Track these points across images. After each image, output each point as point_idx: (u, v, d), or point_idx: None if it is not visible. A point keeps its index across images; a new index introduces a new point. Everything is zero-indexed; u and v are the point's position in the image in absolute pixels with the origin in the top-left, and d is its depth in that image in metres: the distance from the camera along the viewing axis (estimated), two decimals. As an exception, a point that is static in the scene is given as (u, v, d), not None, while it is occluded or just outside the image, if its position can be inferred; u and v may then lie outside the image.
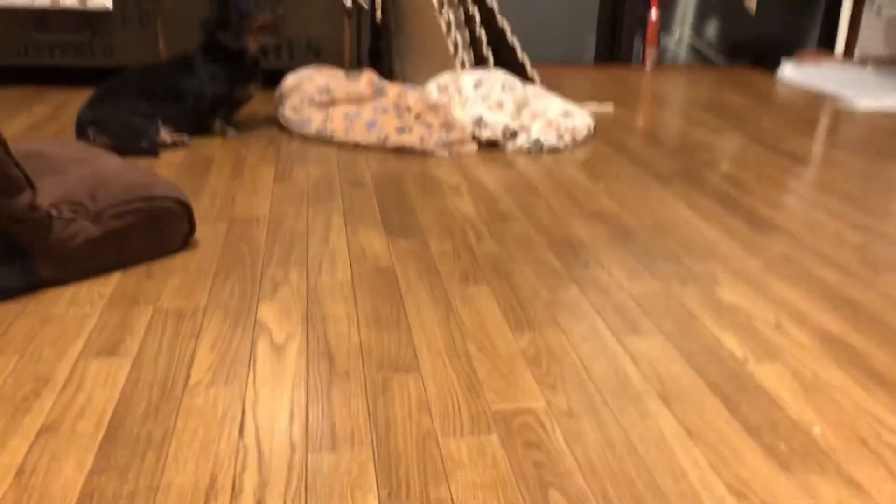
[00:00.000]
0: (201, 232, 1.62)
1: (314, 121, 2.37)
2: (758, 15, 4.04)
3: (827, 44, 4.10)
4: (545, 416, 1.05)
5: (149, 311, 1.29)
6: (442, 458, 0.96)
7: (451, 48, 2.78)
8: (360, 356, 1.17)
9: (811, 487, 0.94)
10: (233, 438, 0.98)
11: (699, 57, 4.06)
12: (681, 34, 4.03)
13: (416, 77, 3.13)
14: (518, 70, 3.05)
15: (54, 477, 0.91)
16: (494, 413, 1.05)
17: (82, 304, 1.30)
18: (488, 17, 2.87)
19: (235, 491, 0.90)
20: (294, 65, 2.96)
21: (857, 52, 3.97)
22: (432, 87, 2.63)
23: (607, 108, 2.90)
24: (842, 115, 2.97)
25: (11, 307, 1.29)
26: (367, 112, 2.37)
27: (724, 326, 1.31)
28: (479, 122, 2.35)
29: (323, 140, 2.35)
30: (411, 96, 2.42)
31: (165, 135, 2.20)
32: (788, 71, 3.71)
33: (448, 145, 2.28)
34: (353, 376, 1.12)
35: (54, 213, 1.34)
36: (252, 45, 2.31)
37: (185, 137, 2.24)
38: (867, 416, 1.08)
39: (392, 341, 1.22)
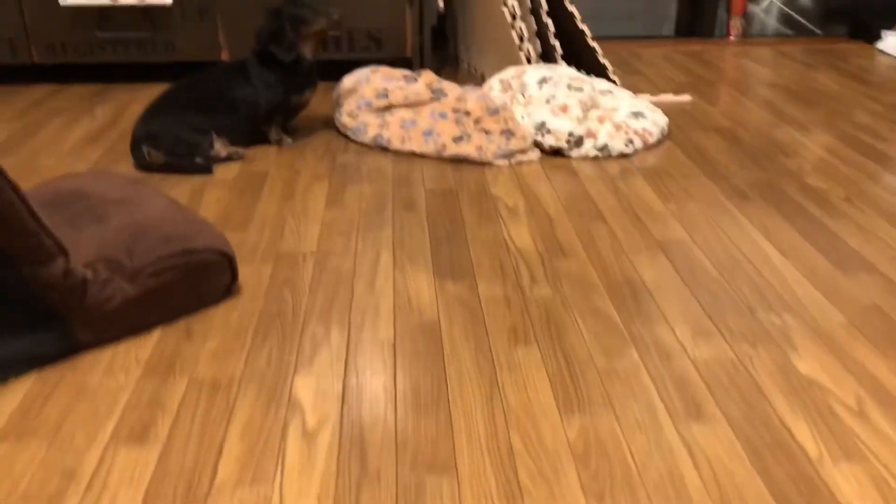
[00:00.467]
0: (245, 274, 1.58)
1: (370, 127, 2.29)
2: (858, -23, 3.70)
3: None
4: (589, 533, 0.96)
5: (184, 383, 1.25)
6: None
7: (516, 39, 2.63)
8: (394, 448, 1.11)
9: None
10: (255, 554, 0.94)
11: (790, 24, 3.75)
12: (770, 1, 3.73)
13: (482, 64, 2.99)
14: (588, 57, 2.88)
15: None
16: (533, 527, 0.97)
17: (118, 372, 1.28)
18: (557, 2, 2.70)
19: None
20: (354, 56, 2.87)
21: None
22: (495, 83, 2.50)
23: (684, 98, 2.71)
24: (949, 101, 2.69)
25: (50, 375, 1.27)
26: (424, 118, 2.26)
27: (797, 410, 1.19)
28: (541, 127, 2.21)
29: (379, 147, 2.27)
30: (471, 99, 2.30)
31: (220, 148, 2.16)
32: (891, 42, 3.39)
33: (508, 155, 2.16)
34: (384, 477, 1.06)
35: (89, 275, 1.31)
36: (307, 53, 2.23)
37: (240, 150, 2.19)
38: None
39: (430, 430, 1.15)
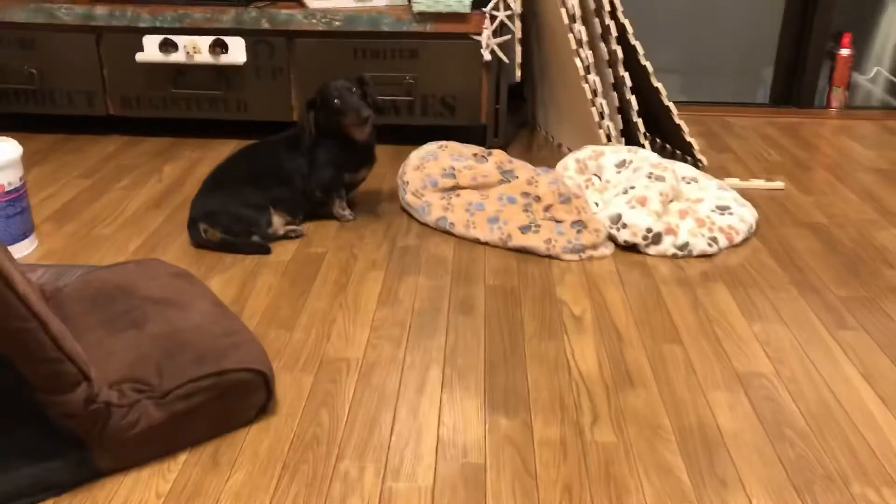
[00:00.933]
0: (285, 384, 1.48)
1: (435, 208, 2.18)
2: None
3: None
4: None
5: (200, 530, 1.16)
6: None
7: (596, 116, 2.49)
8: None
9: None
10: None
11: (898, 96, 3.49)
12: (877, 71, 3.47)
13: (559, 134, 2.86)
14: (674, 134, 2.72)
15: None
16: None
17: (134, 510, 1.19)
18: (643, 77, 2.55)
19: None
20: (427, 122, 2.78)
21: None
22: (570, 163, 2.37)
23: (776, 185, 2.51)
24: None
25: (64, 505, 1.20)
26: (491, 203, 2.14)
27: None
28: (617, 220, 2.06)
29: (442, 231, 2.16)
30: (542, 184, 2.16)
31: (278, 224, 2.08)
32: None
33: (579, 250, 2.01)
34: None
35: (114, 398, 1.23)
36: (357, 135, 2.13)
37: (298, 228, 2.11)
38: None
39: None
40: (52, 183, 2.46)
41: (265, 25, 2.69)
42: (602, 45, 2.49)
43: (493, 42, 2.62)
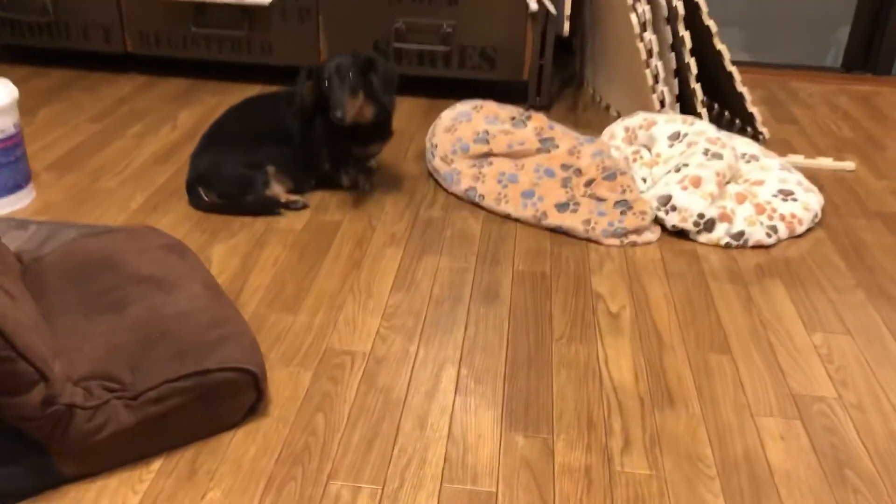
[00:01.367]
0: (280, 380, 1.32)
1: (464, 177, 1.98)
2: None
3: None
4: None
5: (165, 558, 1.02)
6: None
7: (650, 79, 2.25)
8: None
9: None
10: None
11: None
12: (966, 37, 3.13)
13: (609, 94, 2.62)
14: (734, 102, 2.47)
15: None
16: None
17: (94, 528, 1.06)
18: (704, 38, 2.29)
19: None
20: (464, 75, 2.56)
21: None
22: (618, 130, 2.14)
23: (846, 166, 2.25)
24: None
25: (19, 516, 1.07)
26: (526, 174, 1.94)
27: None
28: (666, 202, 1.85)
29: (470, 202, 1.96)
30: (585, 155, 1.95)
31: (278, 188, 1.89)
32: None
33: (621, 234, 1.81)
34: None
35: (79, 398, 1.08)
36: (357, 117, 1.84)
37: (302, 200, 1.91)
38: None
39: None
40: (60, 126, 2.31)
41: (293, -38, 2.47)
42: (662, -1, 2.24)
43: (541, -10, 2.38)
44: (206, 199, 1.84)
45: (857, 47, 3.16)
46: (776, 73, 3.07)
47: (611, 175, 1.89)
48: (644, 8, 2.23)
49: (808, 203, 1.91)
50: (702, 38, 2.30)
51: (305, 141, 1.91)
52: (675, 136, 2.02)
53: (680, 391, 1.35)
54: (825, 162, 2.26)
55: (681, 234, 1.86)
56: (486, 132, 2.03)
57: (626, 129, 2.14)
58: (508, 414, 1.28)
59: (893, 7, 3.01)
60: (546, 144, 2.00)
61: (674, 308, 1.58)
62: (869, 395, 1.36)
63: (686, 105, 2.31)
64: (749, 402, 1.33)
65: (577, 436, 1.24)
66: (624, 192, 1.87)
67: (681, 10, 2.19)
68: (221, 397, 1.19)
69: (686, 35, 2.21)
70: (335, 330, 1.47)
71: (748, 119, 2.42)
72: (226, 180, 1.83)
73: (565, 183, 1.91)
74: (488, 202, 1.93)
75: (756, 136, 2.42)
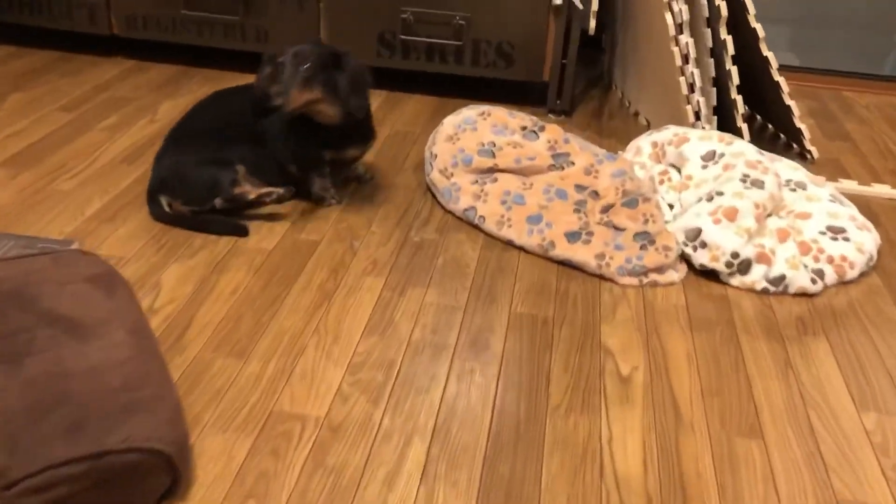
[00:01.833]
0: (212, 449, 1.10)
1: (464, 194, 1.73)
2: None
3: None
4: None
5: None
6: None
7: (685, 87, 1.98)
8: None
9: None
10: None
11: None
12: None
13: (638, 100, 2.36)
14: (780, 115, 2.19)
15: None
16: None
17: None
18: (749, 42, 2.01)
19: None
20: (477, 72, 2.31)
21: None
22: (644, 145, 1.88)
23: (908, 196, 1.97)
24: None
25: None
26: (534, 195, 1.68)
27: None
28: (695, 236, 1.59)
29: (469, 224, 1.72)
30: (604, 175, 1.69)
31: (248, 187, 1.63)
32: None
33: (639, 273, 1.56)
34: None
35: (-66, 488, 0.87)
36: (322, 116, 1.63)
37: (279, 190, 1.65)
38: None
39: None
40: (28, 114, 2.10)
41: (293, -60, 2.23)
42: (703, -4, 1.96)
43: (566, -19, 2.11)
44: (167, 209, 1.62)
45: (921, 54, 2.84)
46: (827, 80, 2.77)
47: (632, 201, 1.64)
48: (681, 7, 1.96)
49: (862, 243, 1.63)
50: (746, 42, 2.02)
51: (271, 139, 1.68)
52: (710, 157, 1.75)
53: (698, 488, 1.10)
54: (883, 189, 1.98)
55: (710, 274, 1.60)
56: (493, 143, 1.78)
57: (654, 145, 1.87)
58: (485, 500, 1.05)
59: (965, 11, 2.69)
60: (559, 160, 1.75)
61: (697, 371, 1.33)
62: (933, 505, 1.10)
63: (724, 118, 2.04)
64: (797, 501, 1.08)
65: (566, 547, 1.01)
66: (646, 221, 1.61)
67: (723, 12, 1.91)
68: (124, 484, 0.97)
69: (728, 39, 1.94)
70: (288, 384, 1.24)
71: (794, 135, 2.14)
72: (191, 185, 1.61)
73: (579, 207, 1.66)
74: (489, 225, 1.68)
75: (803, 154, 2.15)
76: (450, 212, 1.76)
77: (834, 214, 1.68)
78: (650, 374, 1.31)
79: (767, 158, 1.74)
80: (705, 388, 1.29)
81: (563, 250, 1.59)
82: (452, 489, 1.07)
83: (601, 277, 1.57)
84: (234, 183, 1.62)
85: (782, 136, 2.24)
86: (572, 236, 1.60)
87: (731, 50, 1.93)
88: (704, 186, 1.70)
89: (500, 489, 1.08)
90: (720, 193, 1.63)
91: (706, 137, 1.81)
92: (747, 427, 1.22)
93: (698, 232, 1.58)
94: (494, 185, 1.73)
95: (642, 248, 1.58)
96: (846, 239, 1.63)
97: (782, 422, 1.23)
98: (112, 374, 1.04)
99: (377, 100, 2.35)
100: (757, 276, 1.56)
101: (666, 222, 1.65)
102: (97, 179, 1.80)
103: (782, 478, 1.13)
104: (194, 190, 1.60)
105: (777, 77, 2.02)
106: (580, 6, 2.15)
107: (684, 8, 1.95)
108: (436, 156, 1.83)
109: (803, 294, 1.56)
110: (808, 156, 2.13)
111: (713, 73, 1.99)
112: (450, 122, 1.86)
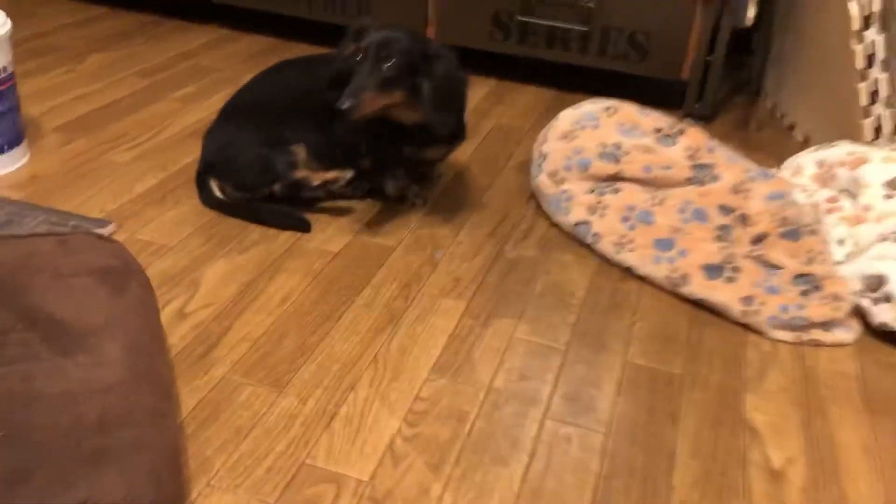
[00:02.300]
0: (216, 513, 0.83)
1: (576, 205, 1.42)
2: None
3: None
4: None
5: None
6: None
7: (865, 96, 1.59)
8: None
9: None
10: None
11: None
12: None
13: (797, 111, 1.97)
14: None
15: None
16: None
17: None
18: (953, 44, 1.60)
19: None
20: (603, 65, 1.98)
21: None
22: (807, 164, 1.51)
23: None
24: None
25: None
26: (666, 214, 1.35)
27: None
28: (876, 286, 1.21)
29: (579, 242, 1.40)
30: (758, 195, 1.34)
31: (310, 171, 1.37)
32: None
33: (799, 327, 1.20)
34: None
35: None
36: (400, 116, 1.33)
37: (346, 173, 1.37)
38: None
39: None
40: (102, 77, 1.92)
41: None
42: (899, -16, 1.57)
43: (722, -39, 1.76)
44: (219, 194, 1.37)
45: None
46: None
47: (793, 233, 1.28)
48: (872, -6, 1.57)
49: None
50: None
51: (342, 124, 1.37)
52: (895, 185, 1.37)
53: None
54: None
55: (892, 336, 1.22)
56: (618, 146, 1.45)
57: (820, 164, 1.50)
58: None
59: None
60: (701, 173, 1.40)
61: (880, 474, 0.97)
62: None
63: (912, 138, 1.64)
64: None
65: None
66: (810, 261, 1.25)
67: (929, 2, 1.52)
68: (74, 563, 0.71)
69: (930, 38, 1.54)
70: (327, 431, 0.96)
71: None
72: (241, 167, 1.35)
73: (723, 234, 1.31)
74: (605, 246, 1.36)
75: None
76: (556, 225, 1.45)
77: None
78: (812, 472, 0.96)
79: (976, 192, 1.34)
80: (888, 496, 0.93)
81: (698, 287, 1.25)
82: None
83: (746, 327, 1.21)
84: (291, 166, 1.35)
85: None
86: (712, 271, 1.26)
87: (932, 52, 1.53)
88: (888, 221, 1.32)
89: None
90: (914, 232, 1.25)
91: (890, 159, 1.42)
92: (959, 572, 0.85)
93: (880, 280, 1.21)
94: (615, 197, 1.40)
95: (804, 294, 1.22)
96: None
97: None
98: (88, 405, 0.78)
99: (483, 89, 2.06)
100: (960, 347, 1.18)
101: (835, 264, 1.29)
102: (157, 153, 1.59)
103: None
104: (245, 173, 1.34)
105: None
106: (736, -8, 1.79)
107: (877, -5, 1.57)
108: (546, 156, 1.51)
109: None
110: None
111: (903, 81, 1.59)
112: (567, 117, 1.54)
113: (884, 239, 1.28)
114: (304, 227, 1.34)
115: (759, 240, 1.30)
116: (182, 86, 1.92)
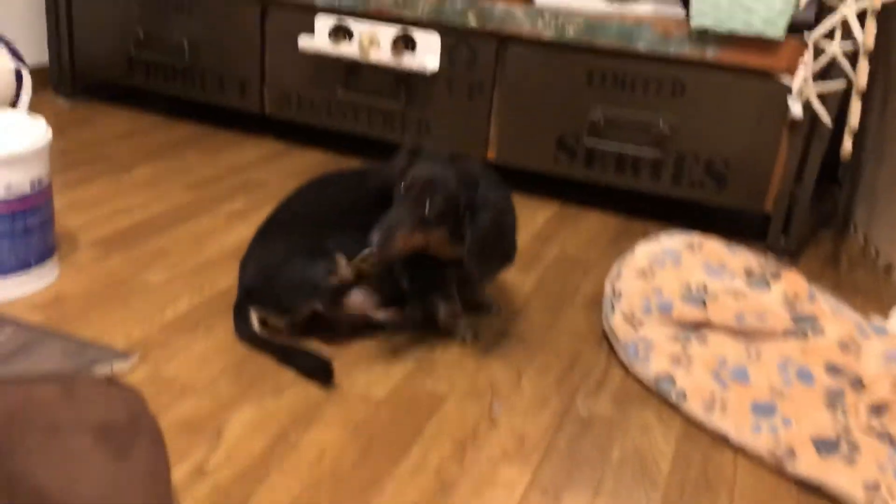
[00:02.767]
0: None
1: (657, 355, 1.24)
2: None
3: None
4: None
5: None
6: None
7: None
8: None
9: None
10: None
11: None
12: None
13: (893, 248, 1.79)
14: None
15: None
16: None
17: None
18: None
19: None
20: (676, 193, 1.84)
21: None
22: (923, 315, 1.31)
23: None
24: None
25: None
26: (764, 371, 1.16)
27: None
28: None
29: (663, 398, 1.21)
30: (871, 356, 1.14)
31: (356, 298, 1.24)
32: None
33: (938, 524, 0.98)
34: None
35: None
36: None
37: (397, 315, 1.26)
38: None
39: None
40: (148, 189, 1.84)
41: (472, 23, 1.90)
42: None
43: (813, 89, 1.63)
44: (258, 327, 1.23)
45: None
46: None
47: (921, 403, 1.08)
48: None
49: None
50: None
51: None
52: None
53: None
54: None
55: None
56: (704, 288, 1.28)
57: (939, 316, 1.30)
58: None
59: None
60: (803, 325, 1.22)
61: None
62: None
63: None
64: None
65: None
66: (947, 440, 1.04)
67: None
68: None
69: None
70: None
71: None
72: (280, 282, 1.21)
73: (833, 401, 1.12)
74: (693, 406, 1.17)
75: None
76: (633, 375, 1.27)
77: None
78: None
79: None
80: None
81: (809, 466, 1.05)
82: None
83: (871, 520, 1.00)
84: (329, 272, 1.21)
85: None
86: (826, 447, 1.06)
87: None
88: None
89: None
90: None
91: None
92: None
93: None
94: (703, 349, 1.22)
95: (942, 482, 1.01)
96: None
97: None
98: None
99: (545, 212, 1.93)
100: None
101: (975, 443, 1.08)
102: (195, 274, 1.47)
103: None
104: (283, 288, 1.21)
105: None
106: (827, 121, 1.65)
107: None
108: (620, 294, 1.35)
109: None
110: None
111: None
112: (644, 252, 1.39)
113: None
114: (325, 376, 1.17)
115: (879, 410, 1.10)
116: (230, 201, 1.82)
